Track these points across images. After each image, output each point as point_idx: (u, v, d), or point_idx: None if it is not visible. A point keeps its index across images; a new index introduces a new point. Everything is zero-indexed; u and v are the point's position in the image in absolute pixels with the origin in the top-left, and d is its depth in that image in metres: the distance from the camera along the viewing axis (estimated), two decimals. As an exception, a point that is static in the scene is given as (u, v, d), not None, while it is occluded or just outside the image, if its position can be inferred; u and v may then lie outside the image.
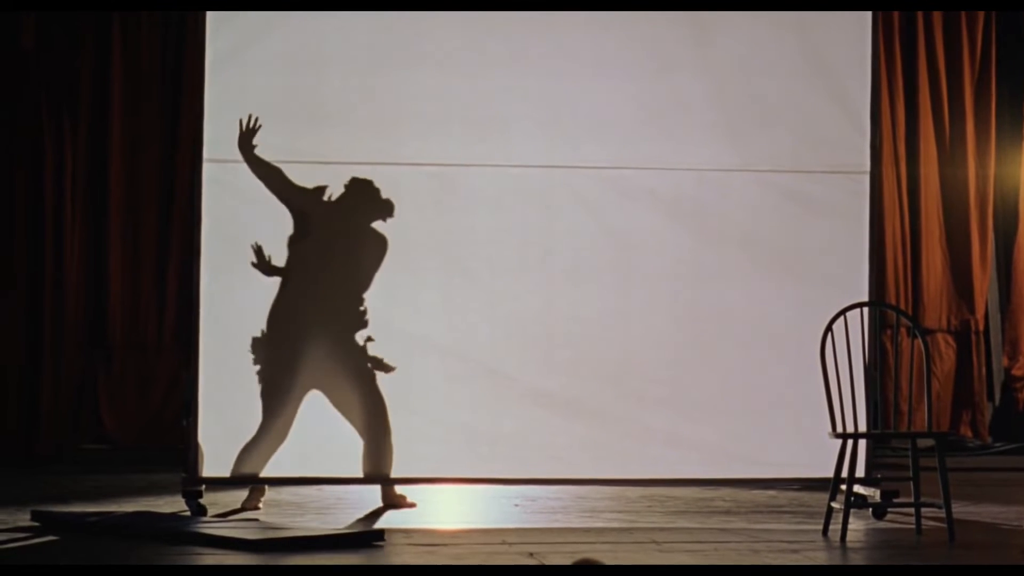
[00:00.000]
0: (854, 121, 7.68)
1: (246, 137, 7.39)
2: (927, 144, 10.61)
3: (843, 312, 6.95)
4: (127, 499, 7.83)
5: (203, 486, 7.38)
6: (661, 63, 7.63)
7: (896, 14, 10.50)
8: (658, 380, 7.59)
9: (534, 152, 7.56)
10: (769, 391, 7.59)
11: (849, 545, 6.49)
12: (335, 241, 7.51)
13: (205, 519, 7.11)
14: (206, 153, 7.41)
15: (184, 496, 7.33)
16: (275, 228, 7.46)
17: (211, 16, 7.44)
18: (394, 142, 7.52)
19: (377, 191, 7.49)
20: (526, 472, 7.54)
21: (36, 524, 6.82)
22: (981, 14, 10.66)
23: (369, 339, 7.45)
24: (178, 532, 6.47)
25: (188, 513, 7.25)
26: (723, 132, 7.65)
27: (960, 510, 7.28)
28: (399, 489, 7.62)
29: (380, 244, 7.52)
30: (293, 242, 7.47)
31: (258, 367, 7.41)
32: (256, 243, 7.39)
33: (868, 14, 7.72)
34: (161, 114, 9.97)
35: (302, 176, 7.47)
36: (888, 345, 10.07)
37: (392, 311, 7.50)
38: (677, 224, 7.63)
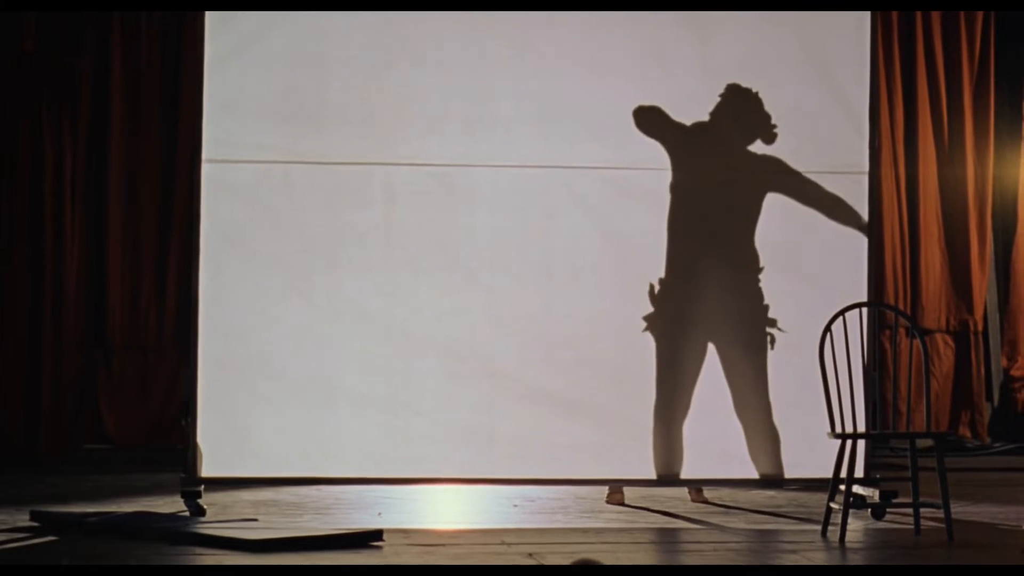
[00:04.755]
0: (853, 121, 7.68)
1: None
2: (926, 144, 10.61)
3: (842, 312, 6.95)
4: (127, 499, 7.83)
5: (202, 486, 7.38)
6: (661, 63, 7.63)
7: (895, 14, 10.51)
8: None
9: (534, 152, 7.56)
10: (769, 391, 7.58)
11: (848, 545, 6.50)
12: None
13: (204, 519, 7.11)
14: (205, 153, 7.41)
15: (183, 496, 7.33)
16: (275, 228, 7.46)
17: (210, 16, 7.44)
18: (394, 142, 7.52)
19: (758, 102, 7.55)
20: (525, 472, 7.54)
21: (36, 524, 6.82)
22: (980, 14, 10.66)
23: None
24: (177, 532, 6.47)
25: (187, 513, 7.25)
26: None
27: (959, 510, 7.28)
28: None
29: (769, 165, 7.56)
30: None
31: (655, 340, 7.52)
32: None
33: (867, 14, 7.72)
34: (160, 114, 9.97)
35: (302, 176, 7.47)
36: (887, 345, 10.07)
37: (392, 311, 7.50)
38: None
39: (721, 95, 7.54)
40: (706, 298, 7.55)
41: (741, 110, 7.57)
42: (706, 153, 7.60)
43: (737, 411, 7.52)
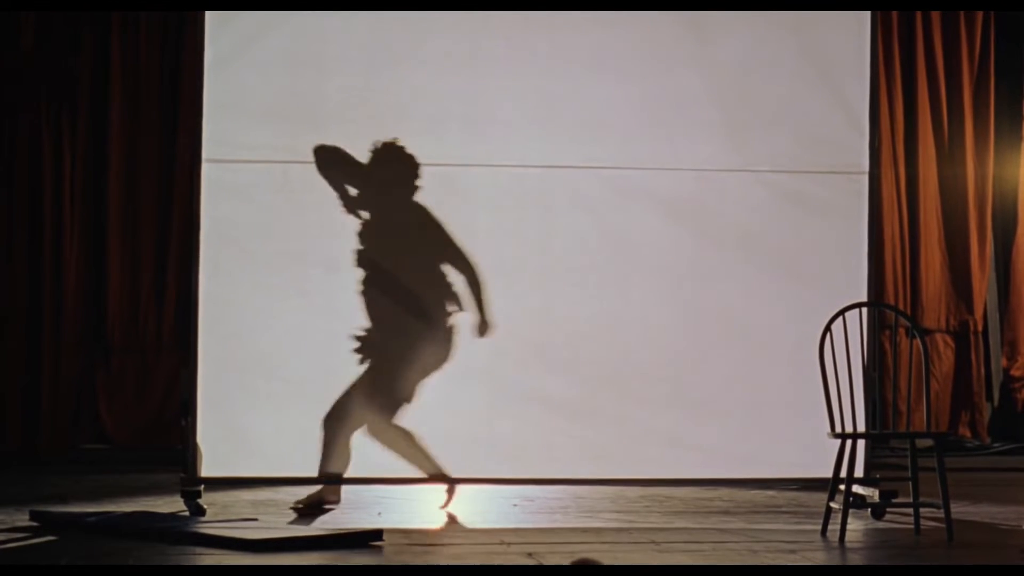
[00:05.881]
0: (853, 121, 7.68)
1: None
2: (926, 144, 10.62)
3: (842, 312, 6.95)
4: (126, 499, 7.83)
5: (201, 486, 7.38)
6: (660, 63, 7.64)
7: (895, 14, 10.51)
8: (657, 380, 7.59)
9: (534, 152, 7.56)
10: (768, 391, 7.59)
11: (848, 545, 6.49)
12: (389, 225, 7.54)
13: (204, 519, 7.11)
14: (205, 153, 7.41)
15: (183, 496, 7.33)
16: (274, 228, 7.46)
17: (210, 16, 7.44)
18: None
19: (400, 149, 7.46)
20: (525, 472, 7.54)
21: (35, 524, 6.82)
22: (980, 14, 10.66)
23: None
24: (177, 532, 6.47)
25: (187, 513, 7.25)
26: (722, 132, 7.65)
27: (959, 510, 7.28)
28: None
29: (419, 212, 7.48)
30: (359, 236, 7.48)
31: (366, 366, 7.44)
32: None
33: (867, 14, 7.72)
34: (160, 114, 9.98)
35: (301, 176, 7.47)
36: (887, 345, 10.07)
37: (391, 311, 7.50)
38: (676, 224, 7.63)
39: (372, 149, 7.45)
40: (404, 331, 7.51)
41: (390, 158, 7.52)
42: (369, 199, 7.51)
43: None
